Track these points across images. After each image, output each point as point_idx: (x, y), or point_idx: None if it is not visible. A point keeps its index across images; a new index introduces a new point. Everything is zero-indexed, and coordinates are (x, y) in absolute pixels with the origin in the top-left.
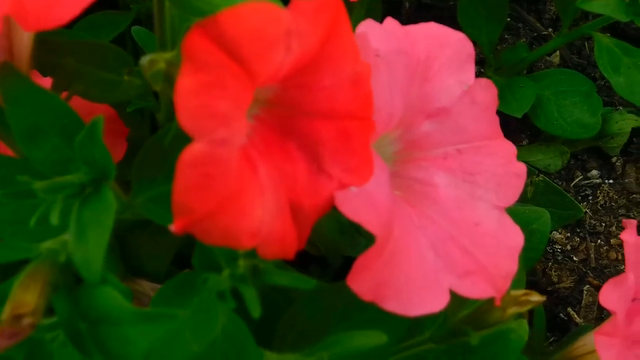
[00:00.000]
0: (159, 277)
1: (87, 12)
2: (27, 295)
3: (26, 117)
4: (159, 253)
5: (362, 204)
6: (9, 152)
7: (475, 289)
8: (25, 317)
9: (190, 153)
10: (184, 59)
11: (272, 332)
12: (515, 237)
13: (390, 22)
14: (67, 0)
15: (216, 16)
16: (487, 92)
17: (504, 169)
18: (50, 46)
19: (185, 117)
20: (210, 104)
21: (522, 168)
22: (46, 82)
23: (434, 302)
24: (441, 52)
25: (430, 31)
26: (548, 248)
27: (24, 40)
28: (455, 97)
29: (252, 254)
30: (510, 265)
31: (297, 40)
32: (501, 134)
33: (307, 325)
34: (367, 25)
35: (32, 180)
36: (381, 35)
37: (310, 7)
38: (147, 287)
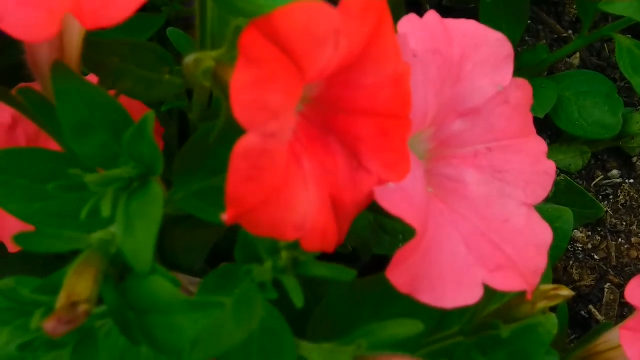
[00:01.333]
0: (195, 273)
1: None
2: (81, 284)
3: (76, 113)
4: (195, 248)
5: (401, 199)
6: (54, 147)
7: (508, 283)
8: (81, 304)
9: (243, 145)
10: (240, 54)
11: (303, 325)
12: (543, 234)
13: (431, 15)
14: (121, 1)
15: (270, 14)
16: (521, 91)
17: (533, 167)
18: (96, 46)
19: (240, 109)
20: (264, 98)
21: (551, 166)
22: (94, 81)
23: (468, 295)
24: (477, 52)
25: (469, 29)
26: (569, 247)
27: (75, 40)
28: (488, 97)
29: (293, 246)
30: (539, 260)
31: (344, 39)
32: (534, 131)
33: (339, 319)
34: (408, 21)
35: (83, 173)
36: (420, 33)
37: (357, 7)
38: (185, 280)
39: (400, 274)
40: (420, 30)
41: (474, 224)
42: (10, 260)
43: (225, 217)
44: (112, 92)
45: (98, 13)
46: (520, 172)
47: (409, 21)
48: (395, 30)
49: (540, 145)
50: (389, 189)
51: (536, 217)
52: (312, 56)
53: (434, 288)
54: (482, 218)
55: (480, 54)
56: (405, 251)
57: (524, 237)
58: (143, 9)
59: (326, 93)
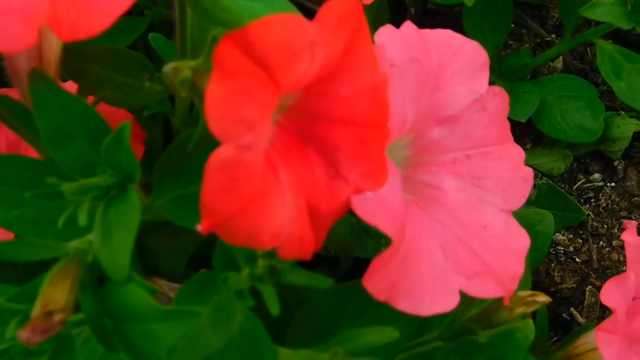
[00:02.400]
0: (176, 277)
1: None
2: (57, 293)
3: (54, 120)
4: (176, 253)
5: (377, 207)
6: (33, 154)
7: (484, 289)
8: (56, 313)
9: (218, 156)
10: (215, 67)
11: (284, 330)
12: (521, 240)
13: (407, 26)
14: (98, 13)
15: (245, 27)
16: (498, 99)
17: (511, 174)
18: (76, 53)
19: (215, 122)
20: (239, 110)
21: (529, 172)
22: (72, 88)
23: (444, 302)
24: (454, 61)
25: (445, 39)
26: (551, 249)
27: (53, 48)
28: (465, 104)
29: (270, 254)
30: (517, 266)
31: (320, 50)
32: (511, 138)
33: (319, 324)
34: (385, 31)
35: (60, 182)
36: (397, 42)
37: (333, 18)
38: (165, 286)
39: (377, 282)
40: (398, 40)
41: (452, 230)
42: None
43: (200, 227)
44: (91, 99)
45: (75, 25)
46: (499, 178)
47: (386, 31)
48: (373, 41)
49: (517, 152)
50: (366, 197)
51: (514, 224)
52: (287, 68)
53: (411, 296)
54: (461, 225)
55: (457, 62)
56: (382, 259)
57: (502, 243)
58: (126, 13)
59: (303, 102)
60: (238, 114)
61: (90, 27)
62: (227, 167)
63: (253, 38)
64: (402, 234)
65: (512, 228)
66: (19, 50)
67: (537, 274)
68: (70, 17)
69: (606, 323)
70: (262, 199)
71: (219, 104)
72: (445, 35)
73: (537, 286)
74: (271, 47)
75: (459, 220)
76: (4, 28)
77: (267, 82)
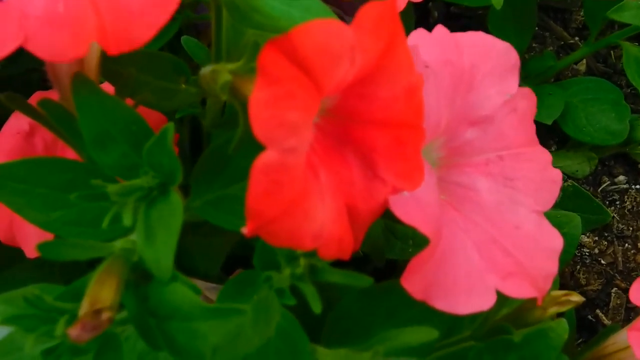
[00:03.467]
0: (210, 278)
1: None
2: (103, 292)
3: (97, 123)
4: (211, 254)
5: (414, 207)
6: (70, 156)
7: (519, 289)
8: (104, 311)
9: (263, 161)
10: (259, 72)
11: (319, 330)
12: (554, 240)
13: (439, 29)
14: (142, 25)
15: (288, 34)
16: (527, 101)
17: (541, 175)
18: (114, 57)
19: (259, 126)
20: (282, 115)
21: (558, 174)
22: (109, 90)
23: (481, 301)
24: (485, 62)
25: (476, 40)
26: (576, 251)
27: (93, 52)
28: (497, 105)
29: (310, 253)
30: (550, 266)
31: (359, 54)
32: (537, 141)
33: (353, 324)
34: (418, 35)
35: (105, 183)
36: (430, 45)
37: (371, 23)
38: (202, 286)
39: (415, 282)
40: (431, 42)
41: (485, 230)
42: (27, 265)
43: (245, 230)
44: (129, 102)
45: (121, 38)
46: (530, 179)
47: (419, 35)
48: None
49: (545, 154)
50: (403, 198)
51: (546, 224)
52: (329, 73)
53: (448, 295)
54: (494, 225)
55: (489, 63)
56: (420, 259)
57: (534, 243)
58: None
59: (341, 105)
60: (282, 118)
61: (135, 39)
62: (271, 171)
63: (296, 44)
64: (439, 234)
65: (544, 228)
66: (68, 61)
67: (563, 276)
68: (116, 30)
69: (637, 322)
70: (303, 201)
71: (263, 109)
72: (476, 37)
73: (562, 288)
74: (313, 52)
75: (493, 220)
76: (55, 39)
77: (309, 87)
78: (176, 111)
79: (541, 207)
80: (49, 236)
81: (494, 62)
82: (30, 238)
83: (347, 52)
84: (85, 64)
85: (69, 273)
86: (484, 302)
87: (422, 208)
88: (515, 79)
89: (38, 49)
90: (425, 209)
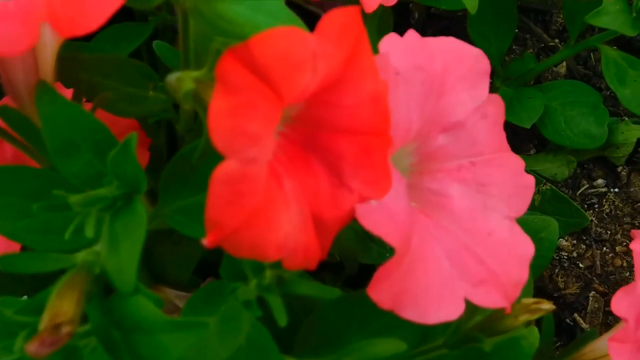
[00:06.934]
0: (182, 285)
1: (107, 23)
2: (64, 305)
3: (61, 133)
4: (182, 261)
5: (381, 217)
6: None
7: (488, 298)
8: (64, 325)
9: (222, 171)
10: (217, 82)
11: (292, 339)
12: (525, 247)
13: (411, 35)
14: (96, 8)
15: (247, 42)
16: (496, 107)
17: (514, 181)
18: (76, 62)
19: (219, 136)
20: (242, 125)
21: (530, 180)
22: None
23: (450, 311)
24: (457, 67)
25: (448, 46)
26: (555, 255)
27: (49, 58)
28: (468, 111)
29: (277, 264)
30: (521, 273)
31: (322, 63)
32: (508, 147)
33: (327, 333)
34: (390, 40)
35: (67, 194)
36: (401, 51)
37: (334, 30)
38: (171, 294)
39: (382, 291)
40: (402, 48)
41: (457, 237)
42: None
43: (205, 241)
44: (89, 106)
45: (74, 20)
46: (503, 185)
47: (390, 40)
48: (376, 49)
49: (518, 159)
50: (371, 206)
51: (518, 230)
52: (290, 82)
53: (417, 304)
54: (466, 231)
55: (461, 68)
56: (387, 268)
57: (506, 249)
58: (131, 18)
59: (306, 113)
60: (241, 128)
61: (88, 22)
62: (231, 181)
63: (255, 52)
64: (407, 244)
65: (516, 235)
66: (21, 52)
67: (541, 280)
68: (68, 13)
69: (617, 333)
70: (267, 210)
71: (222, 119)
72: (448, 42)
73: (540, 291)
74: (273, 60)
75: (465, 227)
76: (4, 32)
77: (269, 96)
78: (149, 117)
79: (514, 213)
80: (16, 246)
81: (466, 68)
82: None
83: (309, 60)
84: (40, 71)
85: (39, 281)
86: (453, 312)
87: (389, 217)
88: (486, 85)
89: None
90: (393, 217)
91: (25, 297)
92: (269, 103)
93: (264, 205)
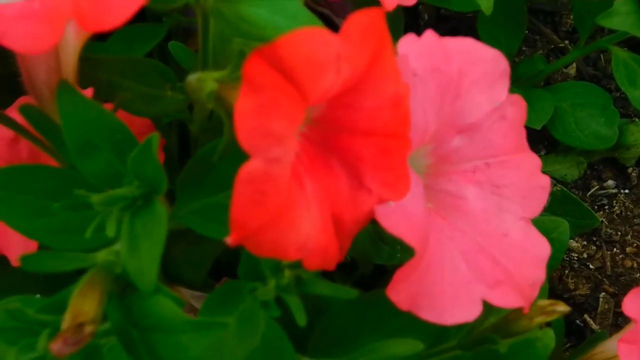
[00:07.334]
0: (197, 285)
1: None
2: (86, 304)
3: (81, 133)
4: (197, 262)
5: (400, 217)
6: (53, 163)
7: (506, 299)
8: (86, 325)
9: (247, 170)
10: (244, 82)
11: (306, 340)
12: (541, 247)
13: (429, 35)
14: (120, 5)
15: (274, 43)
16: (516, 107)
17: (529, 182)
18: (95, 63)
19: (244, 136)
20: (267, 124)
21: (546, 180)
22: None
23: (467, 312)
24: (474, 69)
25: (466, 47)
26: (565, 256)
27: (71, 59)
28: (485, 113)
29: (295, 264)
30: (537, 274)
31: (346, 64)
32: (528, 147)
33: (340, 333)
34: (407, 41)
35: (88, 193)
36: (419, 52)
37: (358, 32)
38: (187, 294)
39: (401, 292)
40: (420, 50)
41: (473, 239)
42: (12, 272)
43: (229, 240)
44: (109, 106)
45: (99, 16)
46: (518, 186)
47: (408, 41)
48: (395, 50)
49: (534, 160)
50: (389, 208)
51: (534, 231)
52: (314, 82)
53: (434, 305)
54: (482, 233)
55: (478, 70)
56: (406, 269)
57: (522, 250)
58: (144, 20)
59: (328, 114)
60: (267, 127)
61: (112, 18)
62: (255, 181)
63: (281, 53)
64: (425, 244)
65: (531, 236)
66: (47, 50)
67: (551, 281)
68: (93, 8)
69: (627, 334)
70: (288, 211)
71: (248, 118)
72: (465, 44)
73: (550, 293)
74: (299, 61)
75: (480, 228)
76: (30, 31)
77: (294, 96)
78: (164, 118)
79: (529, 214)
80: (33, 244)
81: (483, 70)
82: (15, 246)
83: (333, 61)
84: (62, 72)
85: (55, 280)
86: (470, 313)
87: (407, 218)
88: (504, 86)
89: (14, 43)
90: (411, 219)
91: (38, 295)
92: (293, 103)
93: (286, 205)
